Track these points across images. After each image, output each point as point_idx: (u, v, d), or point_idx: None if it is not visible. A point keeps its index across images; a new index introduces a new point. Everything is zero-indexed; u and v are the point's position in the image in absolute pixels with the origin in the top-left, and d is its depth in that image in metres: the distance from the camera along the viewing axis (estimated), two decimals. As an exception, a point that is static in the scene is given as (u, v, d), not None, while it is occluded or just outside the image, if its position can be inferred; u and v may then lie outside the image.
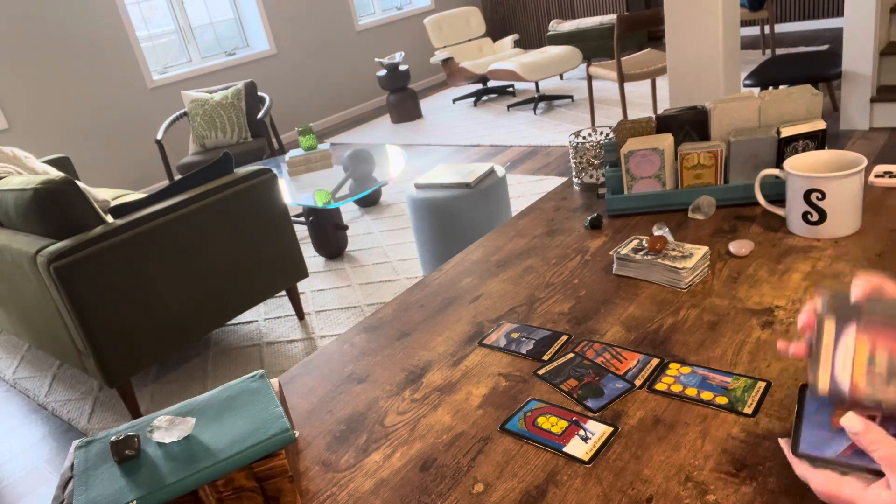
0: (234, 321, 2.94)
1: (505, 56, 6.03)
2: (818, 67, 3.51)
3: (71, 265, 2.01)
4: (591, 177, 1.37)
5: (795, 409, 0.51)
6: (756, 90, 3.63)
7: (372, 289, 2.97)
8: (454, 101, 6.50)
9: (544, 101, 5.72)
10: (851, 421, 0.47)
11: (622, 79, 4.14)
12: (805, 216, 0.98)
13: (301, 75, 6.43)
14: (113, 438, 0.67)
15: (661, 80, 5.60)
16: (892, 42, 3.74)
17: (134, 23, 5.32)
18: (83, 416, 2.45)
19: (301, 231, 3.92)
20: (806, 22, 6.48)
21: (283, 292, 3.07)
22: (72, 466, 0.71)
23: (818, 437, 0.50)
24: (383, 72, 5.97)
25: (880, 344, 0.48)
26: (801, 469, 0.50)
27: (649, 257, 0.97)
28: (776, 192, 1.09)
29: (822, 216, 0.96)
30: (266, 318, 2.92)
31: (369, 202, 4.05)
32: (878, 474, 0.46)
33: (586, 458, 0.66)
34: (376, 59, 6.18)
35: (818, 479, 0.48)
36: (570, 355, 0.84)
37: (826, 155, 0.99)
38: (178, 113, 4.81)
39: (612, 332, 0.87)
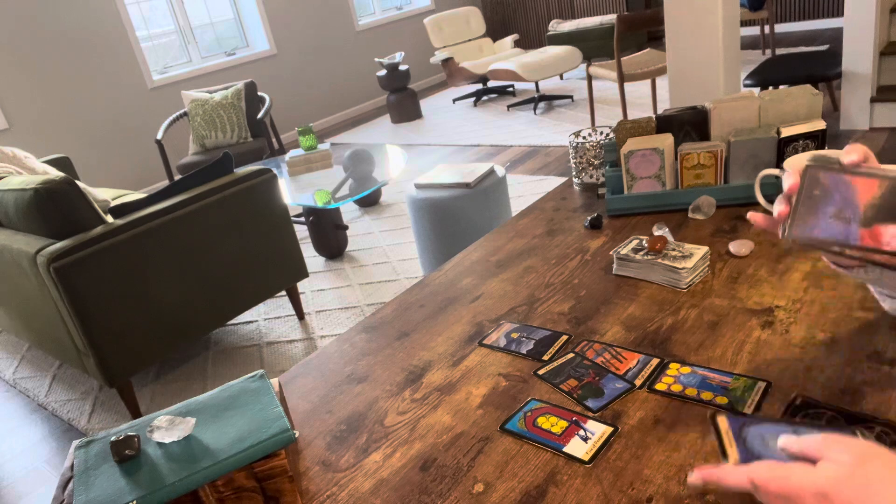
0: (234, 321, 2.94)
1: (505, 56, 6.03)
2: (818, 67, 3.51)
3: (71, 265, 2.01)
4: (591, 177, 1.37)
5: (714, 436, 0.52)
6: (756, 90, 3.63)
7: (372, 289, 2.97)
8: (454, 101, 6.50)
9: (544, 101, 5.72)
10: (787, 441, 0.47)
11: (622, 79, 4.14)
12: (805, 216, 0.98)
13: (301, 75, 6.43)
14: (113, 438, 0.67)
15: (661, 80, 5.60)
16: (892, 42, 3.74)
17: (134, 23, 5.32)
18: (83, 416, 2.45)
19: (301, 231, 3.92)
20: (806, 22, 6.48)
21: (283, 292, 3.07)
22: (72, 466, 0.71)
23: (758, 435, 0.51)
24: (383, 72, 5.97)
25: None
26: (739, 473, 0.47)
27: (649, 257, 0.97)
28: (776, 192, 1.09)
29: (822, 216, 0.96)
30: (266, 318, 2.92)
31: (369, 202, 4.05)
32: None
33: (586, 458, 0.66)
34: (376, 59, 6.18)
35: (762, 472, 0.46)
36: (570, 355, 0.84)
37: (826, 155, 0.99)
38: (178, 113, 4.81)
39: (612, 332, 0.87)
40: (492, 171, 2.63)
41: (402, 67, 5.94)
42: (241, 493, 0.65)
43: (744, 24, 6.77)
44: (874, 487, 0.41)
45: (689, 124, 1.18)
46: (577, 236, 1.17)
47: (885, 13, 3.62)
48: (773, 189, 1.10)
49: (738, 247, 0.98)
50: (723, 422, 0.52)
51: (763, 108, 1.13)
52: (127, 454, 0.66)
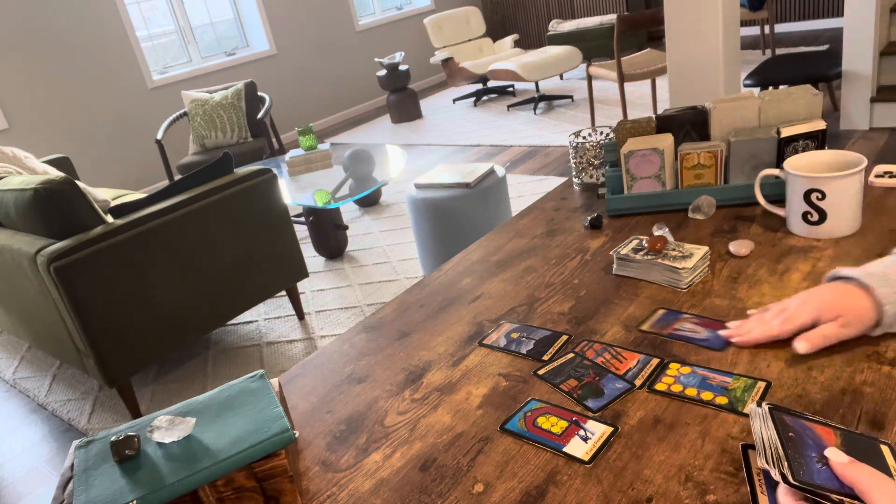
0: (234, 321, 2.94)
1: (505, 56, 6.03)
2: (818, 67, 3.51)
3: (71, 265, 2.01)
4: (591, 177, 1.37)
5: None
6: (756, 90, 3.63)
7: (372, 289, 2.97)
8: (454, 101, 6.50)
9: (544, 101, 5.72)
10: (836, 454, 0.49)
11: (622, 79, 4.14)
12: (805, 216, 0.98)
13: (301, 75, 6.43)
14: (113, 438, 0.67)
15: (661, 80, 5.60)
16: (892, 42, 3.74)
17: (134, 23, 5.32)
18: (83, 416, 2.45)
19: (301, 231, 3.92)
20: (806, 22, 6.48)
21: (283, 292, 3.07)
22: (72, 466, 0.71)
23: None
24: (383, 72, 5.97)
25: None
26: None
27: (649, 257, 0.97)
28: (776, 192, 1.09)
29: (822, 216, 0.96)
30: (266, 318, 2.92)
31: (369, 202, 4.05)
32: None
33: (586, 458, 0.66)
34: (376, 59, 6.18)
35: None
36: (570, 355, 0.84)
37: (826, 155, 0.99)
38: (178, 113, 4.81)
39: (612, 332, 0.87)
40: (492, 171, 2.63)
41: (402, 67, 5.95)
42: (241, 493, 0.65)
43: (744, 24, 6.77)
44: None
45: (689, 124, 1.18)
46: (577, 236, 1.17)
47: (885, 13, 3.62)
48: (773, 189, 1.10)
49: (738, 247, 0.98)
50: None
51: (763, 108, 1.13)
52: (127, 454, 0.66)
